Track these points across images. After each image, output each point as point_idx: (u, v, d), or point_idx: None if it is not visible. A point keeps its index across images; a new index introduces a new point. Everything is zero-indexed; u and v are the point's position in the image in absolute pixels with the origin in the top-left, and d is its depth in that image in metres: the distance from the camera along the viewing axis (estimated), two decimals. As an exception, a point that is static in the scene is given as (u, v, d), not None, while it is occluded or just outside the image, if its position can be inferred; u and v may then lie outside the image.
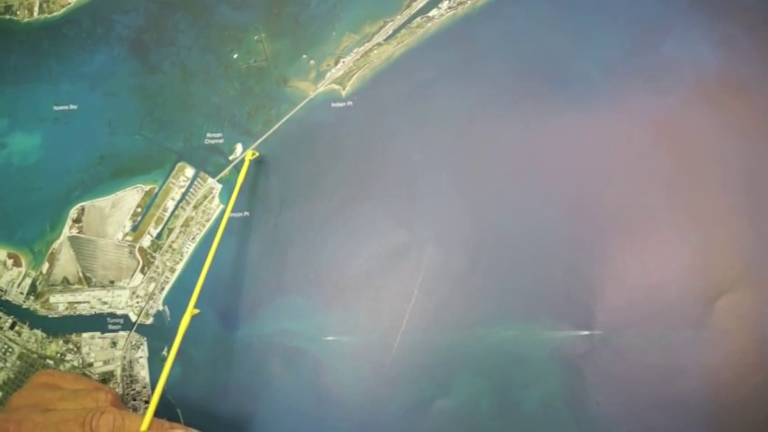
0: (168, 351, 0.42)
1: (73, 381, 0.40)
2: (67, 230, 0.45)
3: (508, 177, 0.41)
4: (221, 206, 0.44)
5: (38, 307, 0.44)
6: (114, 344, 0.43)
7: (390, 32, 0.45)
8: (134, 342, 0.43)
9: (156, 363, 0.43)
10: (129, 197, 0.45)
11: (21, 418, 0.35)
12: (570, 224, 0.40)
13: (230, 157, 0.45)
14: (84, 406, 0.36)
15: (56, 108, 0.47)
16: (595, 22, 0.43)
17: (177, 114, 0.46)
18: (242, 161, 0.44)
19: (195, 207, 0.44)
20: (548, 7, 0.43)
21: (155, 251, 0.44)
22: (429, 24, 0.44)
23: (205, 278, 0.38)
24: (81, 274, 0.44)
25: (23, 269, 0.45)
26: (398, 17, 0.45)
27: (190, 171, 0.45)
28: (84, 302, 0.44)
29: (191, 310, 0.37)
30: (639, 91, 0.41)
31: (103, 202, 0.45)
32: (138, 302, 0.44)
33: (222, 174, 0.45)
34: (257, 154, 0.44)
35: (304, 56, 0.46)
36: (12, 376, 0.44)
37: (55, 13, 0.48)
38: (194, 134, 0.45)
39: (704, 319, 0.38)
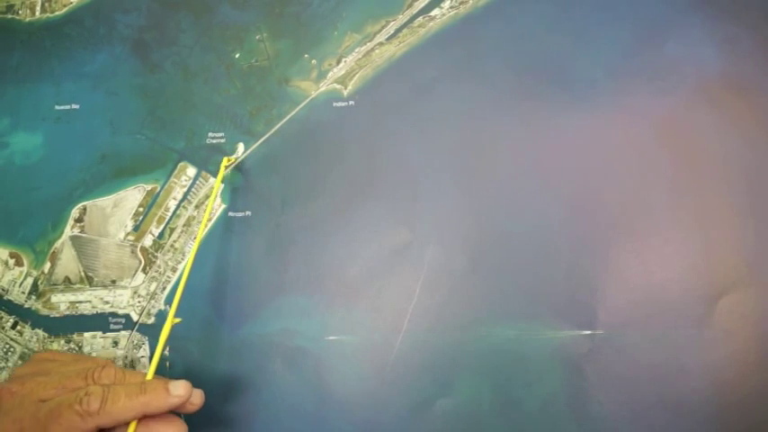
0: (168, 350, 0.42)
1: (72, 357, 0.41)
2: (69, 230, 0.45)
3: (510, 177, 0.41)
4: (223, 205, 0.44)
5: (39, 306, 0.44)
6: (116, 343, 0.43)
7: (392, 32, 0.45)
8: (135, 342, 0.43)
9: (157, 362, 0.43)
10: (131, 196, 0.45)
11: (24, 379, 0.36)
12: (572, 224, 0.40)
13: (233, 156, 0.45)
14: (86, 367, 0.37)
15: (58, 107, 0.47)
16: (597, 22, 0.43)
17: (179, 114, 0.46)
18: (243, 161, 0.44)
19: (197, 207, 0.44)
20: (550, 7, 0.43)
21: (156, 251, 0.44)
22: (431, 24, 0.44)
23: (205, 279, 0.38)
24: (83, 274, 0.44)
25: (25, 269, 0.45)
26: (400, 17, 0.45)
27: (191, 170, 0.45)
28: (86, 302, 0.44)
29: (171, 319, 0.37)
30: (641, 91, 0.41)
31: (105, 201, 0.45)
32: (139, 302, 0.44)
33: (225, 172, 0.44)
34: (233, 160, 0.44)
35: (306, 55, 0.46)
36: (13, 376, 0.44)
37: (57, 13, 0.48)
38: (196, 134, 0.45)
39: (706, 319, 0.38)
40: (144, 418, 0.34)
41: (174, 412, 0.36)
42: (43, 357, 0.40)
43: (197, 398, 0.35)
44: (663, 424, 0.37)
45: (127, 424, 0.34)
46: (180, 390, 0.34)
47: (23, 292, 0.45)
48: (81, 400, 0.33)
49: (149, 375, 0.35)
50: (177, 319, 0.38)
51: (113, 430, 0.34)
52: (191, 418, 0.39)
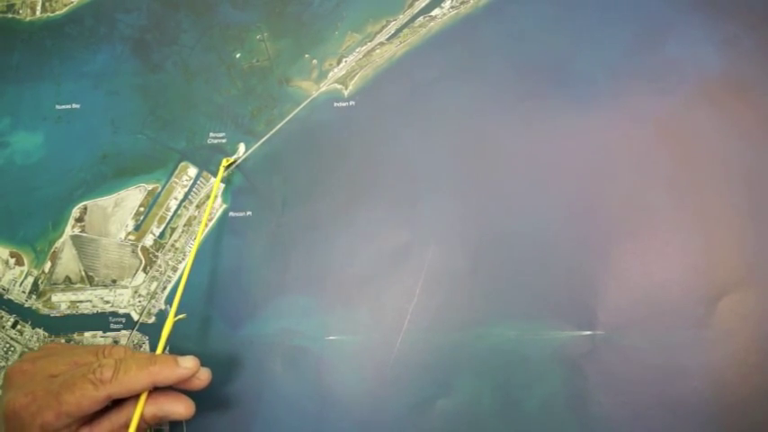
0: (168, 350, 0.42)
1: (81, 346, 0.42)
2: (70, 229, 0.45)
3: (510, 177, 0.41)
4: (224, 205, 0.44)
5: (40, 306, 0.45)
6: (116, 343, 0.43)
7: (393, 32, 0.45)
8: (136, 341, 0.43)
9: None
10: (132, 196, 0.45)
11: (35, 358, 0.37)
12: (572, 224, 0.40)
13: (233, 157, 0.45)
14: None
15: (58, 107, 0.47)
16: (598, 22, 0.43)
17: (180, 114, 0.46)
18: (245, 161, 0.44)
19: (198, 207, 0.44)
20: (550, 7, 0.43)
21: (157, 250, 0.44)
22: (431, 24, 0.44)
23: (205, 279, 0.38)
24: (83, 273, 0.45)
25: (25, 268, 0.45)
26: (401, 16, 0.45)
27: (193, 170, 0.45)
28: (87, 301, 0.44)
29: (172, 316, 0.38)
30: (642, 91, 0.41)
31: (106, 201, 0.45)
32: (140, 302, 0.44)
33: (225, 173, 0.45)
34: (233, 160, 0.44)
35: (306, 55, 0.46)
36: (14, 375, 0.44)
37: (57, 12, 0.48)
38: (197, 134, 0.45)
39: (706, 320, 0.38)
40: (154, 392, 0.36)
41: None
42: (52, 345, 0.41)
43: (204, 374, 0.37)
44: (663, 424, 0.37)
45: (137, 398, 0.35)
46: (189, 362, 0.36)
47: (24, 292, 0.45)
48: (94, 371, 0.34)
49: (159, 349, 0.37)
50: (182, 316, 0.38)
51: (124, 404, 0.36)
52: (191, 419, 0.39)
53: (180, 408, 0.36)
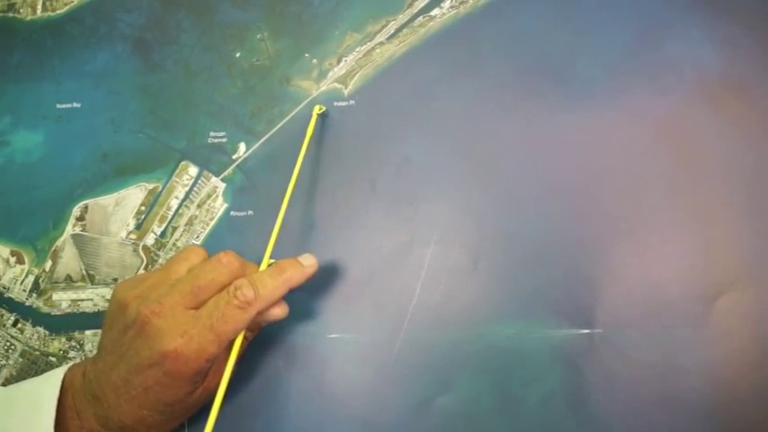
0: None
1: (158, 271, 0.38)
2: (71, 228, 0.45)
3: (510, 176, 0.41)
4: (225, 205, 0.44)
5: (40, 304, 0.45)
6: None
7: (393, 31, 0.45)
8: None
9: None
10: (133, 195, 0.45)
11: (152, 298, 0.35)
12: (571, 223, 0.40)
13: (233, 156, 0.45)
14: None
15: (59, 106, 0.47)
16: (597, 22, 0.43)
17: (180, 113, 0.46)
18: (245, 160, 0.44)
19: (199, 206, 0.44)
20: (549, 6, 0.43)
21: (159, 249, 0.44)
22: (431, 23, 0.45)
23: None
24: (84, 272, 0.45)
25: (26, 266, 0.45)
26: (401, 16, 0.45)
27: (193, 170, 0.45)
28: (88, 300, 0.44)
29: (266, 260, 0.38)
30: (641, 90, 0.41)
31: (107, 200, 0.45)
32: (141, 300, 0.44)
33: (226, 173, 0.45)
34: (324, 108, 0.44)
35: (306, 55, 0.46)
36: (14, 373, 0.44)
37: (58, 11, 0.49)
38: (197, 133, 0.45)
39: (705, 318, 0.38)
40: None
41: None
42: (144, 277, 0.37)
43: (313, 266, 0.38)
44: (661, 422, 0.37)
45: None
46: (310, 260, 0.38)
47: (24, 290, 0.45)
48: (236, 295, 0.34)
49: (263, 265, 0.38)
50: (272, 261, 0.38)
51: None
52: (193, 416, 0.40)
53: (277, 310, 0.37)
